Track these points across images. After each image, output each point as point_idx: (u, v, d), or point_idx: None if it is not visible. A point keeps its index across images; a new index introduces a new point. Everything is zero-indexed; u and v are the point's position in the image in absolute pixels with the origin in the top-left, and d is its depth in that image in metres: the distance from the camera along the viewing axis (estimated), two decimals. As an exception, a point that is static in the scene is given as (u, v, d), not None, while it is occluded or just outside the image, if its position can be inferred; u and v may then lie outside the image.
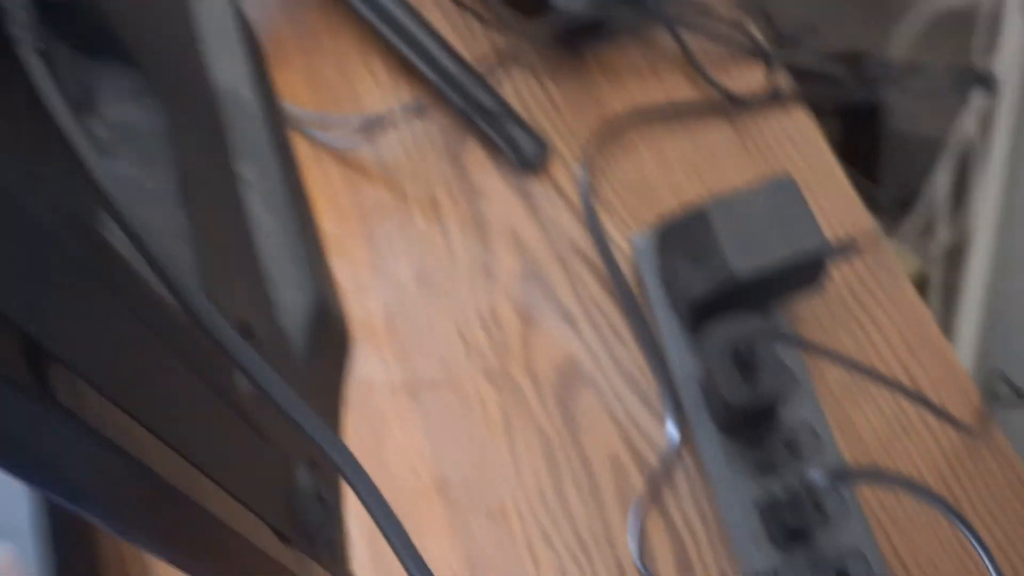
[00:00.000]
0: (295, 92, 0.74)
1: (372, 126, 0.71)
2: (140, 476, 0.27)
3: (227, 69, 0.53)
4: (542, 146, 0.69)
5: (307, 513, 0.41)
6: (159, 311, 0.31)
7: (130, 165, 0.40)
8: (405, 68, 0.74)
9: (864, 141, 1.45)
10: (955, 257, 1.42)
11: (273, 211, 0.51)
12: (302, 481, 0.41)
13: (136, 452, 0.26)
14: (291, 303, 0.49)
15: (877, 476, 0.51)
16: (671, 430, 0.61)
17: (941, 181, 1.45)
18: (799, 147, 0.69)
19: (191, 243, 0.40)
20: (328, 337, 0.51)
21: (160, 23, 0.47)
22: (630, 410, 0.62)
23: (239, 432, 0.36)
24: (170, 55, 0.47)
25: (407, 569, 0.27)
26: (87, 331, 0.25)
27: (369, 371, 0.65)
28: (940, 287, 1.41)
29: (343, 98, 0.74)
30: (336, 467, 0.36)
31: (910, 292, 0.64)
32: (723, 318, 0.55)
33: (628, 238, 0.66)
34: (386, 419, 0.64)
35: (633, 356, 0.64)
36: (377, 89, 0.74)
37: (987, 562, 0.48)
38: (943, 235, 1.44)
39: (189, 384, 0.33)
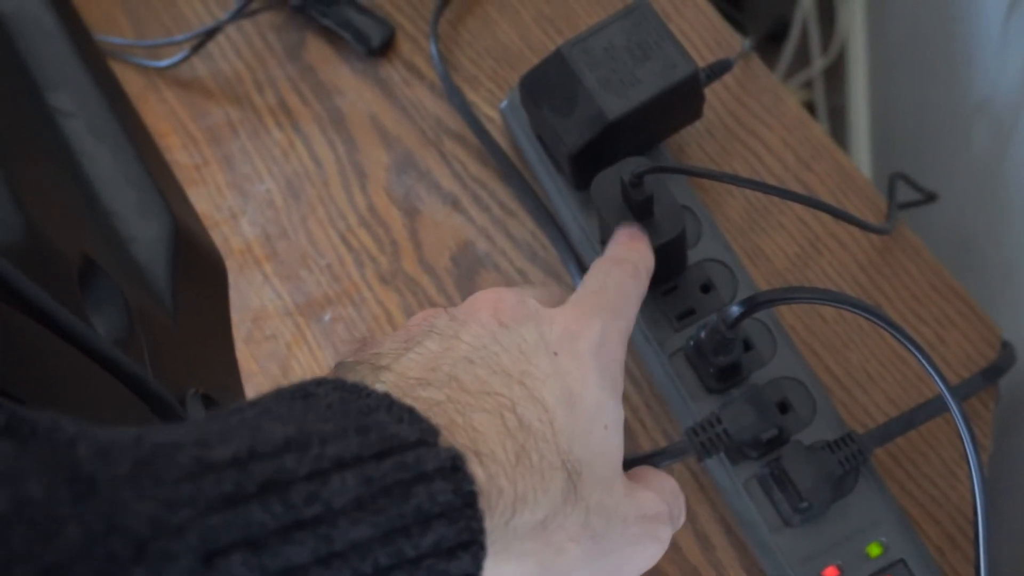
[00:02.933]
0: (113, 22, 0.68)
1: (203, 41, 0.65)
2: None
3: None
4: (387, 27, 0.64)
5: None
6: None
7: None
8: (224, -29, 0.68)
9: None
10: (834, 79, 1.41)
11: (103, 139, 0.46)
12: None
13: None
14: (144, 234, 0.44)
15: (794, 293, 0.48)
16: (580, 296, 0.58)
17: (806, 6, 1.43)
18: (653, -25, 0.65)
19: (2, 182, 0.36)
20: (194, 265, 0.47)
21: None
22: (537, 283, 0.59)
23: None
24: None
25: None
26: None
27: (259, 299, 0.61)
28: (825, 112, 1.40)
29: (165, 18, 0.68)
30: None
31: (793, 104, 0.61)
32: (608, 168, 0.52)
33: (498, 107, 0.62)
34: (288, 346, 0.60)
35: (527, 227, 0.60)
36: (199, 1, 0.68)
37: (923, 362, 0.45)
38: (818, 60, 1.42)
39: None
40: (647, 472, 0.40)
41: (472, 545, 0.28)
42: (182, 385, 0.40)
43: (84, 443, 0.22)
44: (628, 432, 0.55)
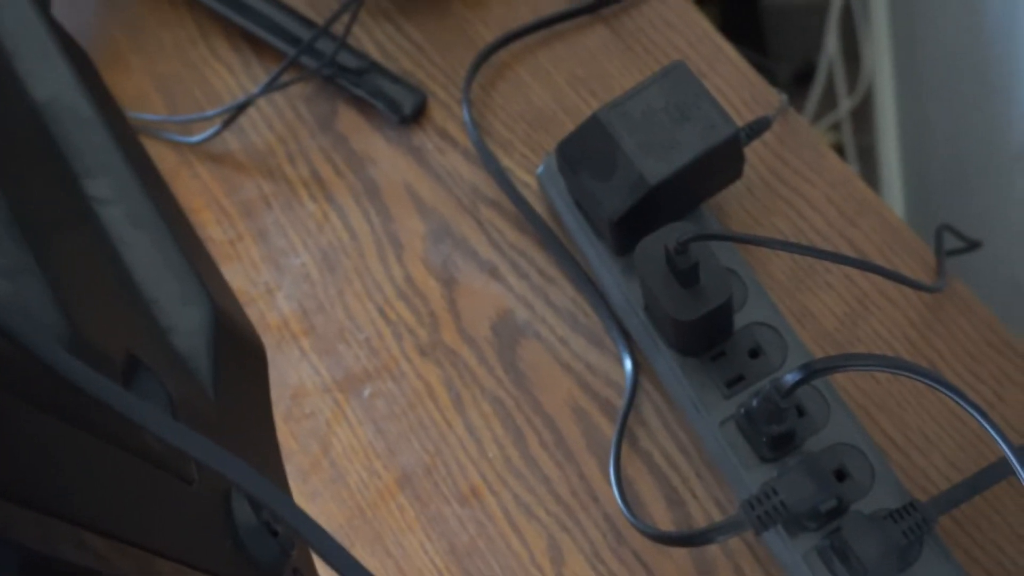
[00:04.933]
0: (144, 98, 0.68)
1: (234, 115, 0.65)
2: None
3: (48, 84, 0.47)
4: (418, 95, 0.64)
5: (258, 548, 0.36)
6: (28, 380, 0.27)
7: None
8: (252, 44, 0.68)
9: (745, 22, 1.42)
10: (862, 120, 1.40)
11: (141, 226, 0.46)
12: (242, 515, 0.37)
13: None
14: (185, 323, 0.44)
15: (849, 361, 0.47)
16: (627, 364, 0.56)
17: (831, 47, 1.42)
18: (682, 32, 0.64)
19: (42, 281, 0.35)
20: (235, 350, 0.46)
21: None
22: (579, 352, 0.58)
23: (159, 483, 0.31)
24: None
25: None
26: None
27: (297, 375, 0.60)
28: (855, 153, 1.39)
29: (196, 93, 0.68)
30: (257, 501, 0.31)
31: (832, 159, 0.60)
32: (650, 233, 0.51)
33: (533, 172, 0.61)
34: (328, 422, 0.59)
35: (567, 294, 0.59)
36: (229, 75, 0.68)
37: (981, 421, 0.44)
38: (845, 101, 1.41)
39: (91, 449, 0.29)
40: None
41: None
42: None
43: None
44: (679, 503, 0.54)
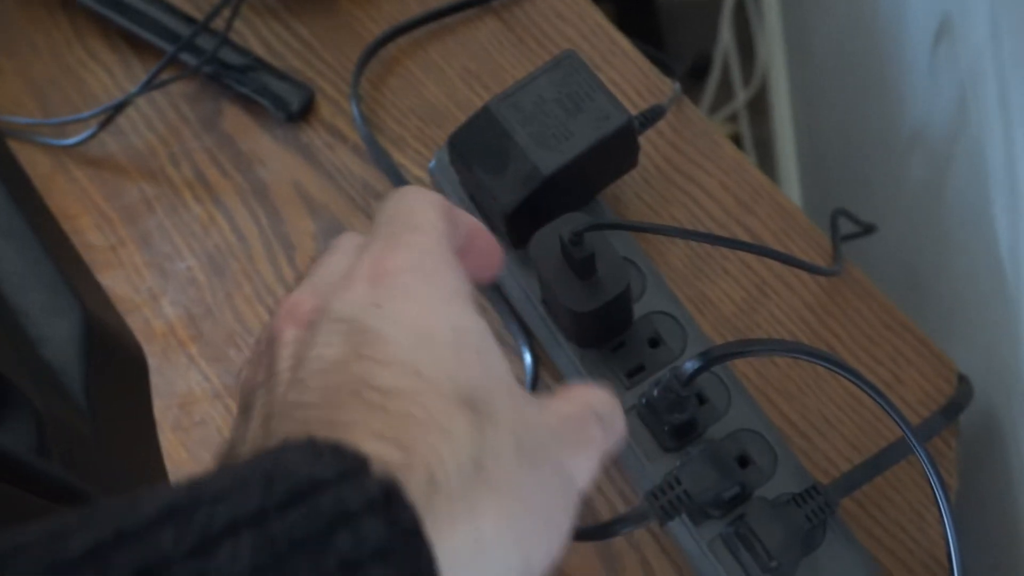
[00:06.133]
0: (16, 101, 0.65)
1: (111, 116, 0.62)
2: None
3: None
4: (305, 91, 0.62)
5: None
6: None
7: None
8: (132, 44, 0.65)
9: (641, 17, 1.42)
10: (758, 111, 1.42)
11: (6, 236, 0.43)
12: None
13: None
14: (55, 333, 0.41)
15: (748, 347, 0.46)
16: (526, 358, 0.55)
17: (725, 40, 1.43)
18: (575, 25, 0.63)
19: None
20: (111, 360, 0.44)
21: None
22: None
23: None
24: None
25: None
26: None
27: (185, 383, 0.58)
28: (752, 143, 1.41)
29: (72, 96, 0.65)
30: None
31: (727, 146, 0.60)
32: (546, 226, 0.50)
33: (426, 167, 0.60)
34: (220, 430, 0.57)
35: (464, 291, 0.58)
36: (107, 76, 0.65)
37: (880, 401, 0.44)
38: (741, 93, 1.42)
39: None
40: (564, 389, 0.34)
41: None
42: (104, 494, 0.37)
43: None
44: (584, 498, 0.53)
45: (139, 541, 0.21)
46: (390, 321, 0.30)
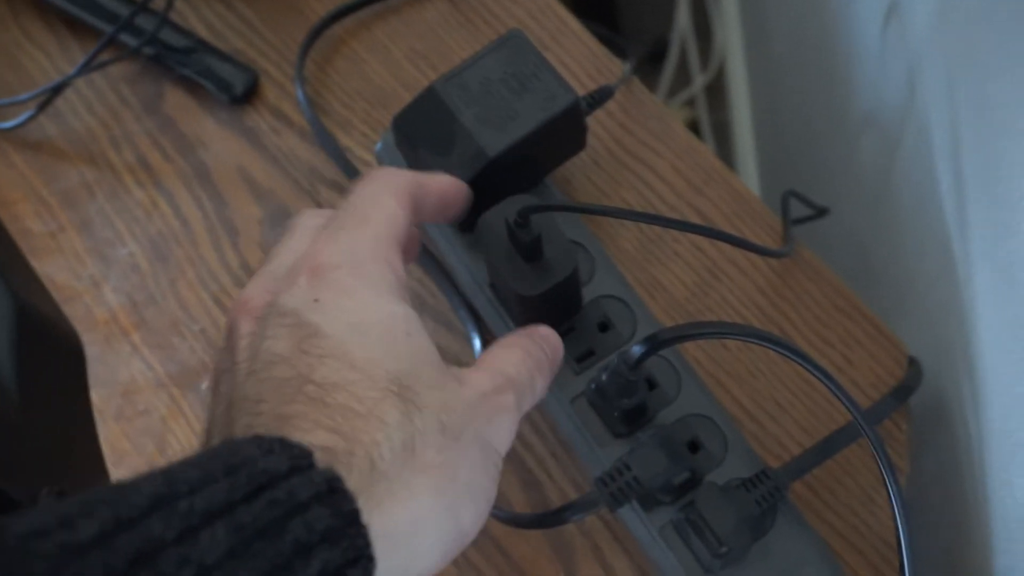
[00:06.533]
0: (-49, 84, 0.63)
1: (49, 98, 0.61)
2: None
3: None
4: (249, 73, 0.61)
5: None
6: None
7: None
8: (70, 25, 0.64)
9: (596, 1, 1.41)
10: (715, 95, 1.41)
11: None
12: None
13: None
14: (-15, 323, 0.40)
15: (696, 329, 0.46)
16: (476, 344, 0.55)
17: (682, 24, 1.43)
18: (523, 5, 0.62)
19: None
20: (44, 347, 0.42)
21: None
22: (428, 334, 0.56)
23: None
24: None
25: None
26: None
27: (128, 372, 0.57)
28: (710, 129, 1.40)
29: (8, 77, 0.63)
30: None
31: (679, 128, 0.59)
32: (492, 208, 0.49)
33: (373, 150, 0.59)
34: (163, 419, 0.56)
35: (413, 275, 0.57)
36: (45, 57, 0.63)
37: (829, 385, 0.44)
38: (699, 77, 1.42)
39: None
40: (483, 356, 0.40)
41: (360, 560, 0.28)
42: (35, 485, 0.36)
43: None
44: (535, 484, 0.53)
45: (134, 528, 0.24)
46: (327, 315, 0.34)
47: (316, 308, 0.34)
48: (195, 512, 0.26)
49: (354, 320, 0.34)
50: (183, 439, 0.55)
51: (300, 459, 0.28)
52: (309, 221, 0.40)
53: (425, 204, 0.41)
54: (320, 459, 0.29)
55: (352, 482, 0.29)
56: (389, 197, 0.39)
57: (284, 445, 0.29)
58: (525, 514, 0.49)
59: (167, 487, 0.26)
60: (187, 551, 0.25)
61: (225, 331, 0.37)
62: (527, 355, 0.40)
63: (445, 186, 0.43)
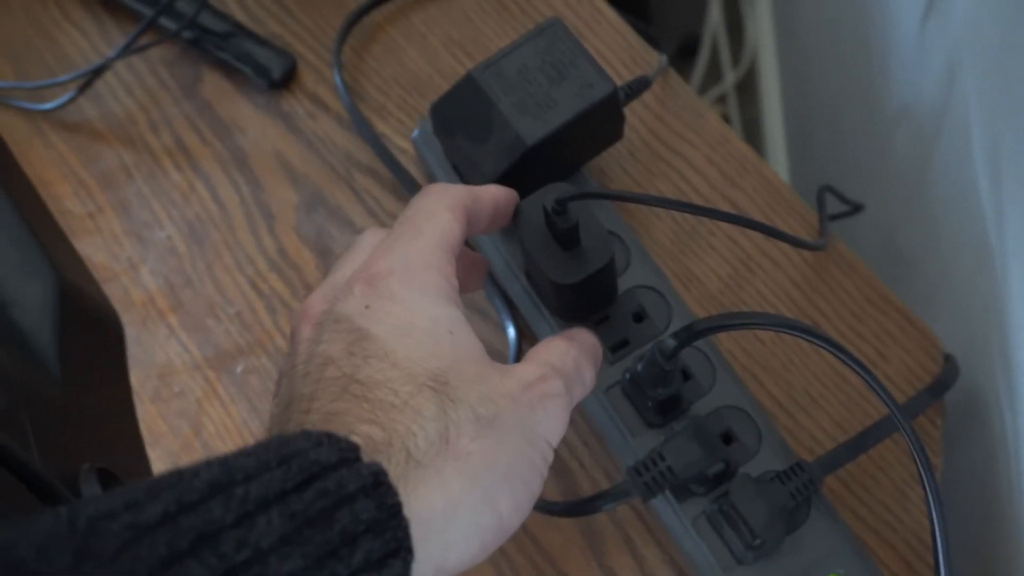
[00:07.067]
0: (-9, 65, 0.64)
1: (90, 80, 0.61)
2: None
3: None
4: (287, 58, 0.61)
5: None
6: None
7: None
8: (107, 7, 0.64)
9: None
10: (747, 92, 1.41)
11: (-26, 197, 0.42)
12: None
13: None
14: (26, 297, 0.40)
15: (732, 320, 0.46)
16: (510, 332, 0.55)
17: (715, 19, 1.42)
18: (560, -8, 0.62)
19: None
20: (85, 326, 0.43)
21: None
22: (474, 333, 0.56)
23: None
24: None
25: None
26: None
27: (164, 354, 0.57)
28: (740, 125, 1.40)
29: (48, 58, 0.64)
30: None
31: (713, 119, 0.59)
32: (530, 196, 0.49)
33: (409, 137, 0.59)
34: (199, 402, 0.56)
35: (446, 263, 0.57)
36: (83, 38, 0.64)
37: (866, 378, 0.43)
38: (730, 73, 1.42)
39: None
40: (528, 352, 0.41)
41: (400, 551, 0.29)
42: (75, 461, 0.36)
43: (23, 545, 0.23)
44: (566, 472, 0.53)
45: (195, 511, 0.26)
46: (375, 320, 0.36)
47: (366, 314, 0.36)
48: (251, 498, 0.27)
49: (399, 323, 0.36)
50: (218, 421, 0.55)
51: (347, 452, 0.30)
52: (371, 237, 0.42)
53: (479, 216, 0.43)
54: (365, 453, 0.31)
55: (390, 471, 0.31)
56: (444, 210, 0.41)
57: (332, 439, 0.30)
58: (557, 502, 0.49)
59: (224, 474, 0.27)
60: (244, 534, 0.26)
61: (291, 335, 0.39)
62: (571, 345, 0.41)
63: (498, 197, 0.45)
